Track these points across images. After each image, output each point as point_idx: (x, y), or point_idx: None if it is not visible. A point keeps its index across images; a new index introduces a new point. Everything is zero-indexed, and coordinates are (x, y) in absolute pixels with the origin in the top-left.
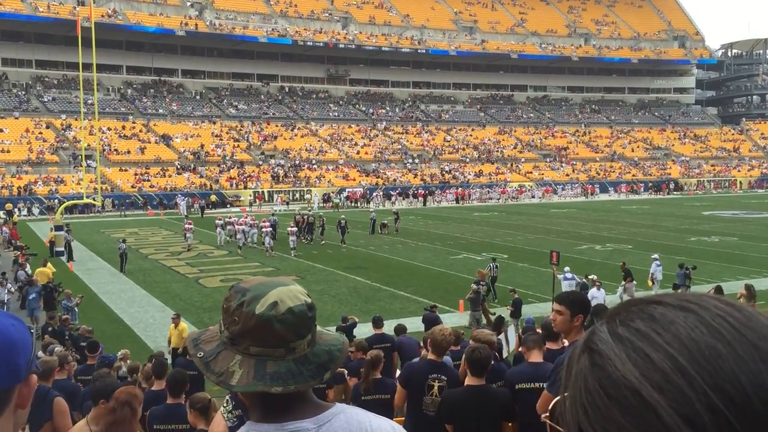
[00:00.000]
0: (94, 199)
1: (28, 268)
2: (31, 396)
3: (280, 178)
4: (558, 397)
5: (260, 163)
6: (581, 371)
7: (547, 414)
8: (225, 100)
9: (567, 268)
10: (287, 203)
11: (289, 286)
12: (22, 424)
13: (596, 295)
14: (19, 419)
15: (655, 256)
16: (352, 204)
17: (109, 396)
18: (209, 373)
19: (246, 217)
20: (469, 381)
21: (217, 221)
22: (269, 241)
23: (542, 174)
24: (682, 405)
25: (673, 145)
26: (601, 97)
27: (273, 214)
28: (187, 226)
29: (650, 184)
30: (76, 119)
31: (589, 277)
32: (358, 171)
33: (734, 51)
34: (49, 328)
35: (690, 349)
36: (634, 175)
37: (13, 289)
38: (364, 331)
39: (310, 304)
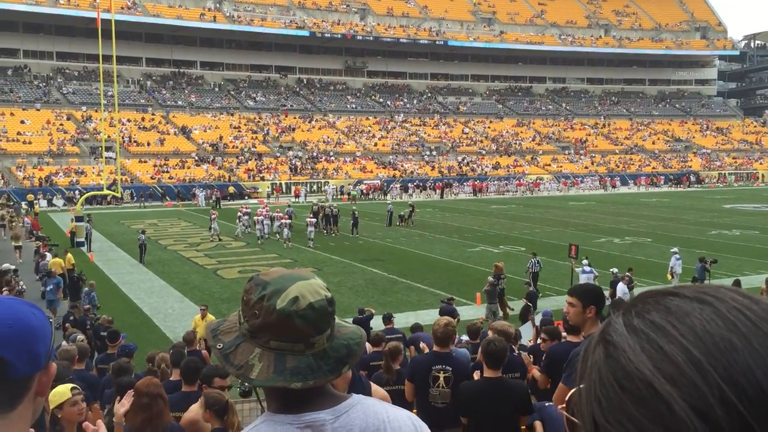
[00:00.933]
0: (114, 191)
1: (48, 258)
2: (50, 384)
3: (298, 170)
4: (574, 389)
5: (278, 154)
6: (596, 363)
7: (564, 405)
8: (243, 92)
9: (585, 261)
10: (305, 196)
11: (310, 280)
12: (39, 412)
13: (626, 291)
14: (38, 407)
15: (675, 249)
16: (370, 197)
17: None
18: (228, 365)
19: (264, 208)
20: (485, 373)
21: (239, 213)
22: (287, 233)
23: (561, 166)
24: (694, 398)
25: (694, 138)
26: (621, 89)
27: (289, 206)
28: (213, 216)
29: (671, 177)
30: (96, 111)
31: (613, 271)
32: (375, 163)
33: (757, 42)
34: (71, 318)
35: (705, 342)
36: (654, 168)
37: (25, 287)
38: (380, 323)
39: (330, 298)
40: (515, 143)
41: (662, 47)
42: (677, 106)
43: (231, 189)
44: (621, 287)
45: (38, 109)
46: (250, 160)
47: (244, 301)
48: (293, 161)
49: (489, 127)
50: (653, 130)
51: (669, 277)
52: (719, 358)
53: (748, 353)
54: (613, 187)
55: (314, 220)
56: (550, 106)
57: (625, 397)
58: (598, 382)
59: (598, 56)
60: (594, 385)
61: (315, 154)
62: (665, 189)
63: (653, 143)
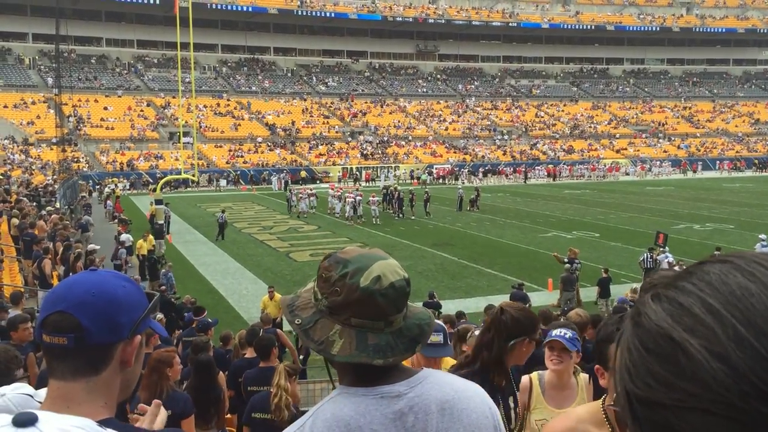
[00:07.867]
0: (192, 175)
1: (129, 237)
2: (134, 355)
3: (369, 155)
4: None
5: (349, 139)
6: (625, 338)
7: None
8: (315, 77)
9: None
10: (372, 180)
11: (388, 260)
12: (132, 383)
13: (669, 258)
14: (129, 377)
15: (763, 236)
16: (440, 181)
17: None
18: (308, 340)
19: (338, 191)
20: None
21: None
22: (349, 211)
23: (638, 150)
24: (711, 341)
25: None
26: (704, 70)
27: (358, 189)
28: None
29: (755, 161)
30: (174, 97)
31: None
32: (446, 147)
33: None
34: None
35: (722, 292)
36: (737, 152)
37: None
38: (444, 309)
39: (407, 278)
40: (590, 127)
41: (748, 25)
42: (763, 87)
43: (303, 173)
44: (667, 257)
45: (120, 96)
46: (322, 144)
47: (324, 278)
48: (364, 146)
49: (563, 111)
50: (737, 113)
51: None
52: (736, 303)
53: (766, 297)
54: (694, 171)
55: (378, 199)
56: (627, 89)
57: (650, 358)
58: (627, 352)
59: (679, 35)
60: (624, 357)
61: (386, 138)
62: (749, 174)
63: (737, 126)
